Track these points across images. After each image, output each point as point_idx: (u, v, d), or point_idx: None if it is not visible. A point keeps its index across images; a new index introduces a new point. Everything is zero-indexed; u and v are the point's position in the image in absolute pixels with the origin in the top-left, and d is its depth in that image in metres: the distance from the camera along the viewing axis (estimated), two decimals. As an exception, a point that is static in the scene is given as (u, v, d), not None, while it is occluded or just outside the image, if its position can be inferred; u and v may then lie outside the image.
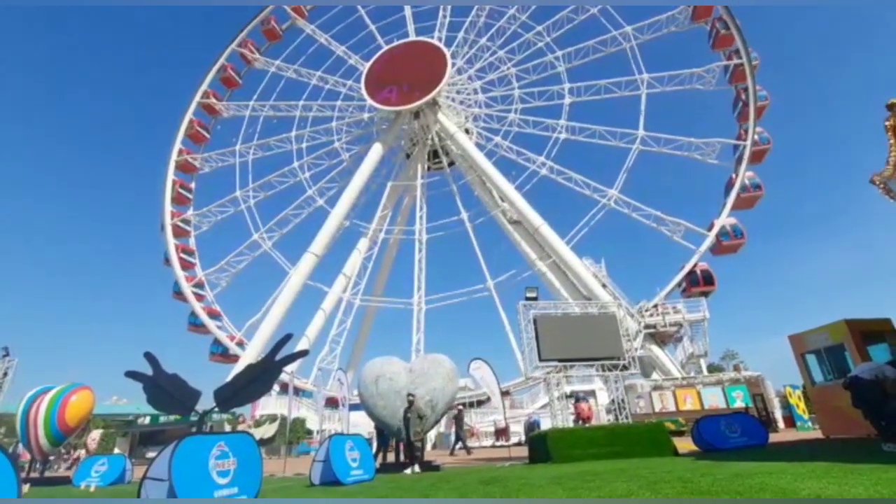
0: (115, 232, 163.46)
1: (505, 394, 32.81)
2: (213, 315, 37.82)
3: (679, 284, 31.88)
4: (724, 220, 31.80)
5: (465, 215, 38.56)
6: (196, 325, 37.19)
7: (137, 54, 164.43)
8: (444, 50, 39.37)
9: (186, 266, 39.04)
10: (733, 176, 32.86)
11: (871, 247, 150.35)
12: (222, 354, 36.22)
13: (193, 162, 42.95)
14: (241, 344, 35.63)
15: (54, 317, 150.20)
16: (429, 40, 41.27)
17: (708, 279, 31.20)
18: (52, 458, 22.18)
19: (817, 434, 15.22)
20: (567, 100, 37.36)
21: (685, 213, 39.21)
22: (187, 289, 37.43)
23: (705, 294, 31.41)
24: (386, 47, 42.40)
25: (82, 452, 30.94)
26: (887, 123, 8.20)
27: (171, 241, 39.05)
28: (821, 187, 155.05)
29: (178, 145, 42.54)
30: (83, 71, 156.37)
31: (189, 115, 43.47)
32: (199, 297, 38.01)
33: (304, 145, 41.94)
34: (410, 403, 11.21)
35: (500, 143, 38.42)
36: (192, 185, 43.06)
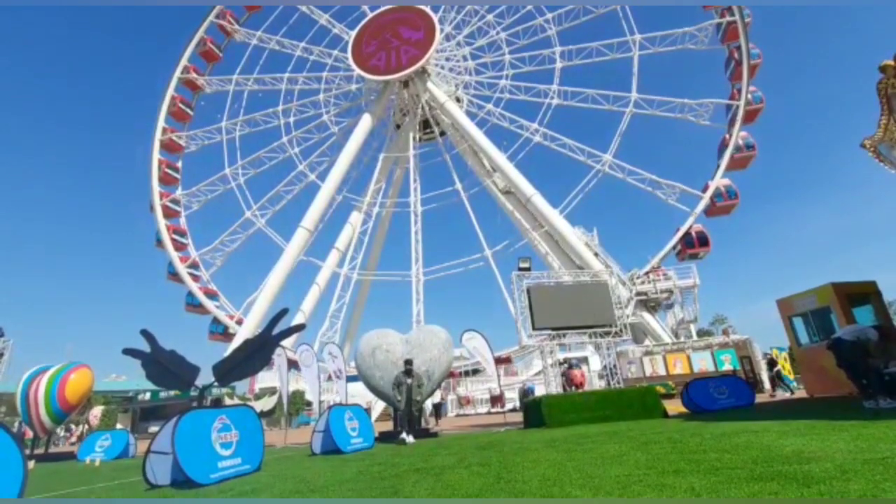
0: (108, 211, 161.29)
1: (506, 360, 33.43)
2: (210, 295, 37.58)
3: (674, 247, 32.13)
4: (718, 181, 31.84)
5: (459, 185, 38.26)
6: (194, 305, 36.97)
7: (114, 31, 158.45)
8: (432, 15, 38.16)
9: (179, 247, 38.47)
10: (726, 136, 32.72)
11: (860, 210, 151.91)
12: (222, 333, 36.22)
13: (178, 140, 41.71)
14: (240, 322, 35.57)
15: (49, 296, 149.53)
16: (415, 6, 39.94)
17: (703, 240, 31.44)
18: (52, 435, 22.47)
19: (802, 394, 15.75)
20: (558, 64, 36.59)
21: (678, 177, 38.83)
22: (182, 270, 37.05)
23: (695, 256, 31.71)
24: (371, 14, 40.96)
25: (84, 428, 31.45)
26: (879, 85, 8.14)
27: (162, 223, 38.37)
28: (810, 150, 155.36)
29: (161, 124, 41.19)
30: (60, 49, 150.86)
31: (170, 92, 41.95)
32: (195, 278, 37.59)
33: (291, 119, 40.91)
34: (408, 371, 10.83)
35: (491, 111, 37.79)
36: (179, 165, 41.95)
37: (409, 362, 11.02)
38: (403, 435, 10.01)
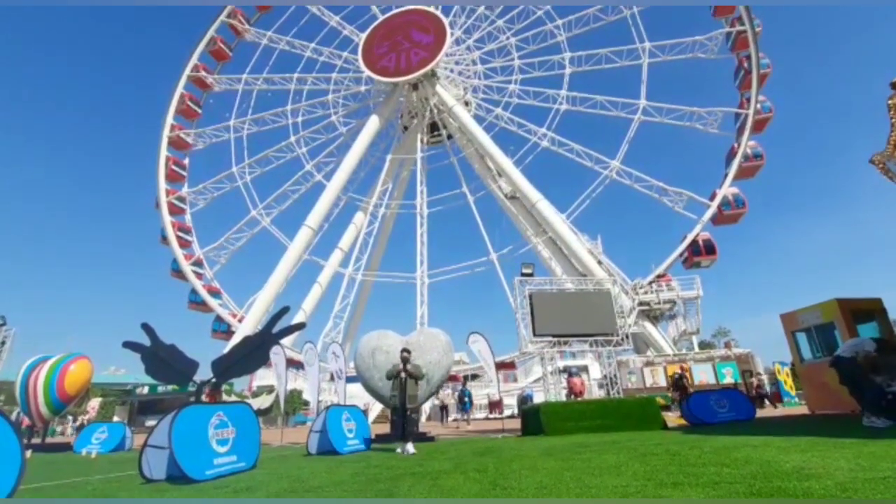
0: (114, 206, 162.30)
1: (509, 365, 33.31)
2: (214, 293, 37.66)
3: (681, 254, 31.97)
4: (727, 189, 31.77)
5: (466, 189, 38.32)
6: (197, 302, 37.00)
7: (126, 29, 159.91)
8: (443, 19, 38.31)
9: (183, 244, 38.57)
10: (735, 145, 32.68)
11: (867, 225, 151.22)
12: (225, 332, 36.18)
13: (186, 138, 41.98)
14: (243, 321, 35.65)
15: (51, 287, 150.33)
16: (426, 9, 40.11)
17: (710, 248, 31.27)
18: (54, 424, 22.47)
19: (803, 409, 15.61)
20: (568, 70, 36.68)
21: (686, 185, 38.69)
22: (186, 267, 37.12)
23: (698, 265, 31.53)
24: (382, 17, 41.18)
25: (85, 418, 31.52)
26: (890, 102, 8.09)
27: (168, 220, 38.53)
28: (817, 163, 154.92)
29: (169, 121, 41.51)
30: (69, 45, 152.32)
31: (179, 90, 42.22)
32: (199, 276, 37.66)
33: (299, 119, 41.10)
34: (405, 361, 8.85)
35: (500, 115, 37.87)
36: (186, 162, 42.15)
37: (406, 350, 9.10)
38: (399, 450, 8.12)
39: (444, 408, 26.89)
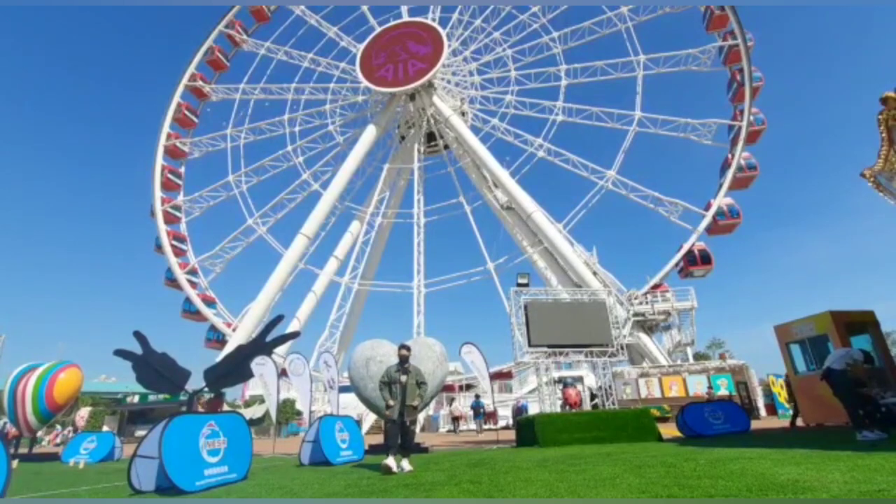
0: (106, 212, 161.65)
1: (505, 375, 33.18)
2: (208, 302, 37.31)
3: (677, 264, 32.06)
4: (721, 199, 32.00)
5: (463, 198, 38.41)
6: (191, 311, 36.59)
7: (124, 37, 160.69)
8: (440, 31, 38.68)
9: (178, 253, 38.24)
10: (729, 156, 32.98)
11: (860, 237, 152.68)
12: (219, 340, 35.79)
13: (182, 147, 41.87)
14: (237, 330, 35.30)
15: (43, 294, 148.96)
16: (424, 21, 40.52)
17: (705, 258, 31.37)
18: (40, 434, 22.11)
19: (798, 422, 15.59)
20: (563, 81, 37.01)
21: (681, 195, 38.88)
22: (181, 276, 36.80)
23: (692, 275, 31.61)
24: (379, 28, 41.49)
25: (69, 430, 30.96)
26: (880, 117, 8.22)
27: (163, 228, 38.23)
28: (811, 176, 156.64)
29: (165, 130, 41.34)
30: (68, 51, 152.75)
31: (176, 99, 42.13)
32: (193, 285, 37.32)
33: (297, 129, 41.09)
34: (404, 359, 7.68)
35: (496, 125, 38.09)
36: (182, 171, 41.99)
37: (404, 347, 7.85)
38: (390, 461, 6.73)
39: (456, 419, 27.90)
